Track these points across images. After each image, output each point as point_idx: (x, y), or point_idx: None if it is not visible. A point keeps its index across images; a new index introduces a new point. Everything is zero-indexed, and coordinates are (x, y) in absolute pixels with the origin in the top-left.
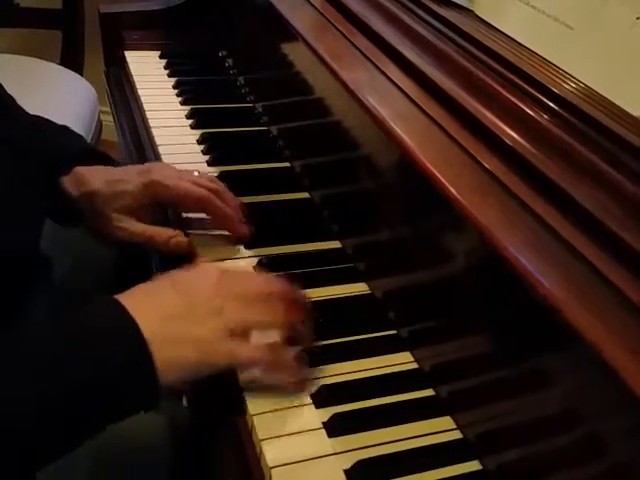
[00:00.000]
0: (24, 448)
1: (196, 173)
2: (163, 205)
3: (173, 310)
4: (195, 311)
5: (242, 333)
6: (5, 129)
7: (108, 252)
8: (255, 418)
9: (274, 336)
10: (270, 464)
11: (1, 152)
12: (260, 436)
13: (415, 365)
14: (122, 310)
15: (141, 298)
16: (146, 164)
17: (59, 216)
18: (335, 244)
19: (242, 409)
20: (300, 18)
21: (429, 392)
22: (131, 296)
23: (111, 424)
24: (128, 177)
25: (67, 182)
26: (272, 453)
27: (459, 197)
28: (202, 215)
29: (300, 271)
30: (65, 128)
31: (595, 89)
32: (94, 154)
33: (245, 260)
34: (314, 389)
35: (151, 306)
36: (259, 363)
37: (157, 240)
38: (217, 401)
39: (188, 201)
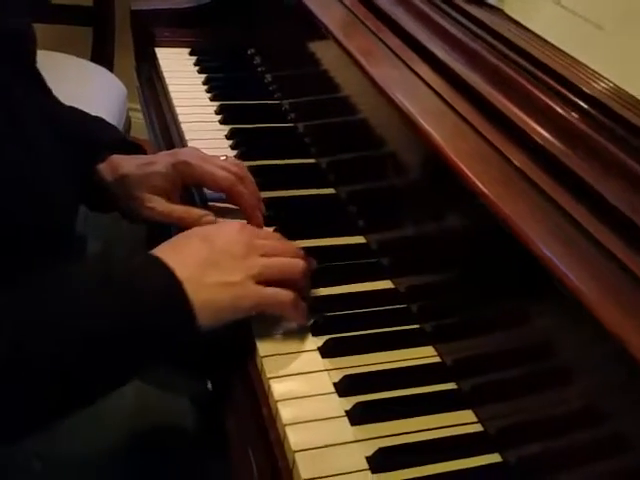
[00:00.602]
0: (75, 385)
1: (223, 157)
2: (189, 186)
3: (203, 258)
4: (223, 259)
5: (265, 279)
6: (50, 110)
7: (137, 236)
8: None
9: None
10: (294, 448)
11: (46, 130)
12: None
13: (438, 359)
14: (156, 258)
15: (172, 249)
16: (175, 148)
17: (93, 201)
18: (360, 239)
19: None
20: (330, 15)
21: (451, 385)
22: (162, 249)
23: (153, 362)
24: (157, 159)
25: (102, 169)
26: (296, 438)
27: (486, 191)
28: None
29: (324, 265)
30: (100, 119)
31: (624, 88)
32: (128, 144)
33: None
34: (338, 379)
35: (182, 255)
36: (284, 304)
37: (187, 220)
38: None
39: (212, 183)
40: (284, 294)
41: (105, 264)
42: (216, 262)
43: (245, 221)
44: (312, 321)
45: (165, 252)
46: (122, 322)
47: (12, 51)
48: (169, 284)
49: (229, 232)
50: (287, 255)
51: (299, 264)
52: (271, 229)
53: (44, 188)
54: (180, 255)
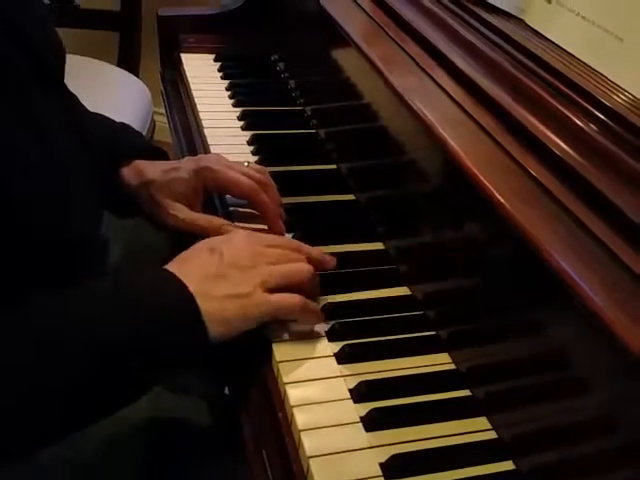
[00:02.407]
0: (90, 400)
1: (246, 164)
2: (211, 192)
3: (212, 270)
4: (231, 270)
5: (273, 287)
6: (75, 119)
7: (161, 241)
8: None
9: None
10: (309, 454)
11: (72, 139)
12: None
13: (453, 366)
14: (167, 272)
15: (182, 263)
16: (199, 155)
17: (117, 207)
18: (378, 245)
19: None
20: (352, 23)
21: (466, 392)
22: (174, 263)
23: (165, 375)
24: (181, 165)
25: (127, 173)
26: (310, 444)
27: (504, 202)
28: (247, 209)
29: (343, 271)
30: (126, 125)
31: None
32: (153, 150)
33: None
34: (353, 385)
35: (192, 268)
36: (293, 308)
37: (209, 229)
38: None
39: (235, 189)
40: (292, 298)
41: (118, 279)
42: (224, 274)
43: (251, 229)
44: (329, 327)
45: (176, 266)
46: (135, 337)
47: (36, 62)
48: (181, 298)
49: (237, 242)
50: (293, 260)
51: (306, 270)
52: (290, 235)
53: (68, 193)
54: (190, 268)
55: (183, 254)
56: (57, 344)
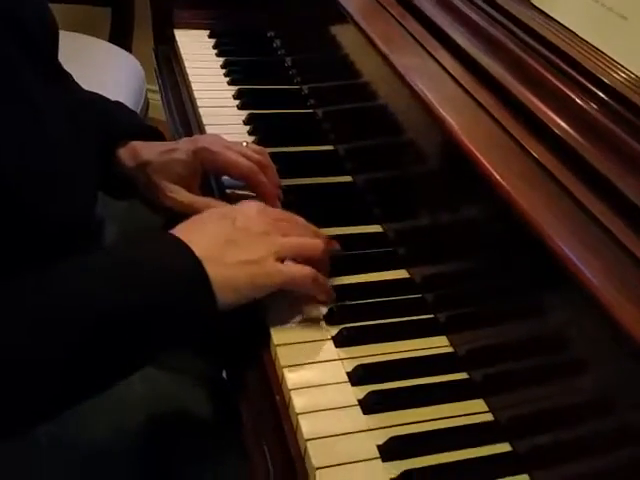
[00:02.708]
0: (94, 368)
1: (244, 144)
2: (208, 173)
3: (222, 236)
4: (242, 236)
5: (285, 257)
6: (68, 100)
7: (157, 222)
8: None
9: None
10: (306, 437)
11: (65, 122)
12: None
13: (450, 349)
14: (170, 235)
15: (191, 228)
16: (196, 135)
17: (113, 188)
18: (377, 228)
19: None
20: (352, 0)
21: (463, 375)
22: (180, 228)
23: (172, 344)
24: (178, 146)
25: (123, 154)
26: (308, 427)
27: (503, 183)
28: (244, 191)
29: (341, 254)
30: (121, 104)
31: None
32: (149, 130)
33: None
34: (351, 368)
35: (201, 234)
36: (305, 279)
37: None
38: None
39: (234, 171)
40: (305, 270)
41: (122, 245)
42: (235, 240)
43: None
44: (327, 310)
45: (184, 231)
46: (140, 303)
47: (27, 42)
48: (188, 263)
49: (249, 211)
50: (307, 235)
51: (319, 244)
52: None
53: (59, 172)
54: (199, 233)
55: (192, 219)
56: (53, 322)
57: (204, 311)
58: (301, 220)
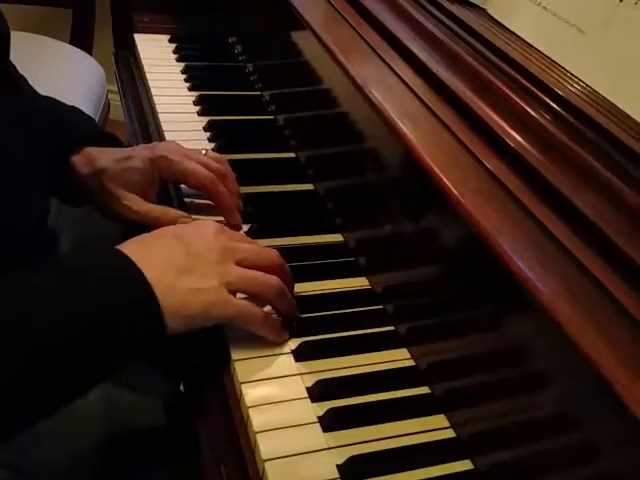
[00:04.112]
0: (37, 393)
1: (203, 151)
2: (166, 182)
3: (176, 260)
4: (197, 263)
5: (237, 290)
6: (18, 107)
7: (112, 230)
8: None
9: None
10: (264, 457)
11: (13, 130)
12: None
13: (412, 362)
14: (123, 256)
15: (144, 247)
16: (154, 142)
17: (66, 195)
18: (337, 237)
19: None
20: (311, 8)
21: (424, 390)
22: (133, 245)
23: (117, 366)
24: (135, 153)
25: (77, 161)
26: (266, 446)
27: (462, 200)
28: (203, 200)
29: (301, 264)
30: (76, 109)
31: (603, 95)
32: (104, 136)
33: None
34: (310, 384)
35: (153, 254)
36: (256, 318)
37: (163, 220)
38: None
39: (191, 180)
40: (253, 309)
41: (71, 261)
42: (189, 265)
43: (223, 223)
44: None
45: (134, 250)
46: (84, 324)
47: None
48: (137, 286)
49: (206, 234)
50: (264, 263)
51: (272, 281)
52: (247, 227)
53: (11, 181)
54: (151, 254)
55: (144, 236)
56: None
57: (151, 336)
58: (268, 251)
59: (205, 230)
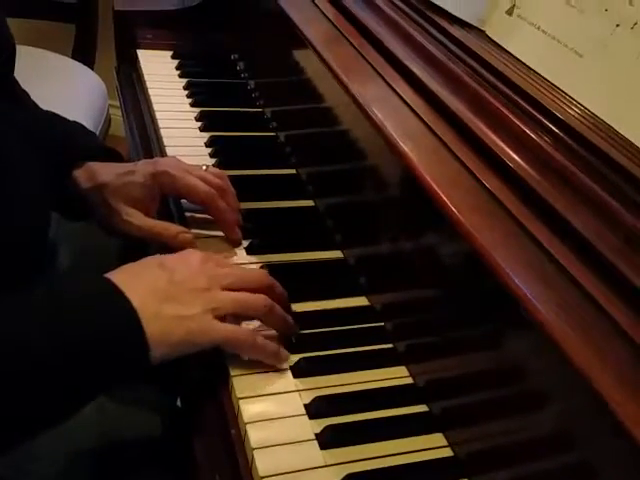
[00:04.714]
0: (19, 411)
1: (204, 167)
2: (167, 197)
3: (160, 288)
4: (181, 290)
5: (226, 313)
6: (21, 122)
7: (113, 244)
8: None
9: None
10: (261, 474)
11: (16, 144)
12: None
13: (410, 380)
14: (109, 283)
15: (129, 275)
16: (156, 157)
17: (68, 209)
18: (337, 254)
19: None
20: (312, 27)
21: (422, 408)
22: (119, 273)
23: (102, 391)
24: (137, 168)
25: (79, 176)
26: (263, 463)
27: (461, 219)
28: (204, 215)
29: (300, 281)
30: (78, 124)
31: (601, 117)
32: (106, 151)
33: (245, 266)
34: (308, 400)
35: (139, 283)
36: (243, 343)
37: (164, 236)
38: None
39: (192, 196)
40: (242, 332)
41: (57, 287)
42: (173, 293)
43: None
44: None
45: (121, 278)
46: (71, 350)
47: None
48: (124, 313)
49: (190, 263)
50: (251, 286)
51: (259, 299)
52: (246, 242)
53: (13, 194)
54: (136, 283)
55: (130, 265)
56: None
57: (136, 363)
58: (247, 271)
59: (190, 258)
